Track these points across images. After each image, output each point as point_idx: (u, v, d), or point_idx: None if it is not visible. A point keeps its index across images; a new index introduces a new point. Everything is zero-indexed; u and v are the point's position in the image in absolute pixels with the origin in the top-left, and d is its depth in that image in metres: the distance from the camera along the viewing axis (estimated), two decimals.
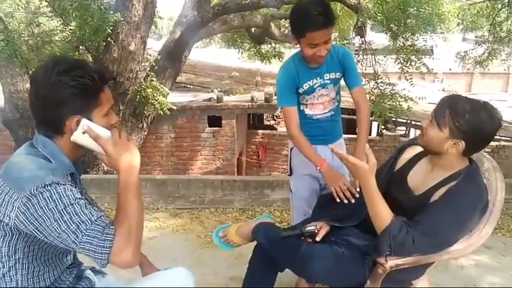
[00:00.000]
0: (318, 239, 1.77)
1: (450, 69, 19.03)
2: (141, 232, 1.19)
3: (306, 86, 2.09)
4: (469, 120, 1.45)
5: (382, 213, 1.52)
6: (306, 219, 1.99)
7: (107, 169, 6.11)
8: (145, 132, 7.17)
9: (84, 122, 1.18)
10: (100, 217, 1.12)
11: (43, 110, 1.18)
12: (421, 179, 1.66)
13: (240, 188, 3.86)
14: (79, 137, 1.18)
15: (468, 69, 11.16)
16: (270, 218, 2.24)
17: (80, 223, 1.08)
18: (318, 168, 2.03)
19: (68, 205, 1.09)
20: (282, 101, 2.13)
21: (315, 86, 2.10)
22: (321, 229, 1.80)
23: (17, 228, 1.11)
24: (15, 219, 1.08)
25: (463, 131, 1.46)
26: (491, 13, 8.80)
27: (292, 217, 2.45)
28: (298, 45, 2.03)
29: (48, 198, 1.07)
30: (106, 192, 3.78)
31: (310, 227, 1.78)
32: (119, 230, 1.12)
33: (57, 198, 1.08)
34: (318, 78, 2.09)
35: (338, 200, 1.91)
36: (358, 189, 1.86)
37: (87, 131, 1.18)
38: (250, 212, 3.74)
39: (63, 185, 1.11)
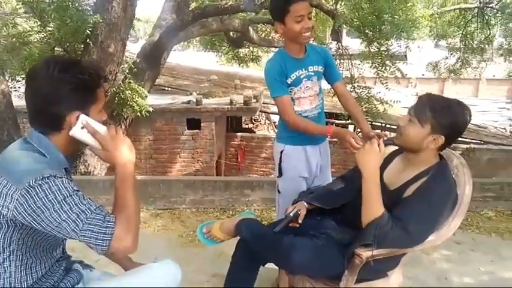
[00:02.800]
0: (300, 220, 1.86)
1: (423, 75, 19.56)
2: (139, 220, 1.26)
3: (293, 77, 2.17)
4: (447, 116, 1.57)
5: (376, 205, 1.60)
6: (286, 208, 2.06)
7: (84, 171, 6.07)
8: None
9: (83, 117, 1.24)
10: (98, 207, 1.18)
11: (44, 107, 1.23)
12: (395, 175, 1.76)
13: (221, 188, 3.90)
14: (77, 132, 1.24)
15: (440, 74, 11.51)
16: (252, 214, 2.30)
17: (80, 212, 1.14)
18: (329, 136, 2.13)
19: (67, 196, 1.14)
20: (274, 92, 2.18)
21: (301, 77, 2.19)
22: (301, 211, 1.88)
23: (14, 220, 1.15)
24: (13, 210, 1.12)
25: (444, 126, 1.58)
26: (462, 22, 9.11)
27: (277, 216, 2.51)
28: (282, 36, 2.16)
29: (47, 190, 1.12)
30: (86, 192, 3.76)
31: (293, 211, 1.88)
32: (119, 217, 1.19)
33: (56, 190, 1.13)
34: (303, 69, 2.18)
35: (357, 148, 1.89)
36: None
37: (86, 126, 1.24)
38: (231, 212, 3.79)
39: (60, 178, 1.16)
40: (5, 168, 1.18)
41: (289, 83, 2.18)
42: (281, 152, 2.32)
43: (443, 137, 1.59)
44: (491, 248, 3.14)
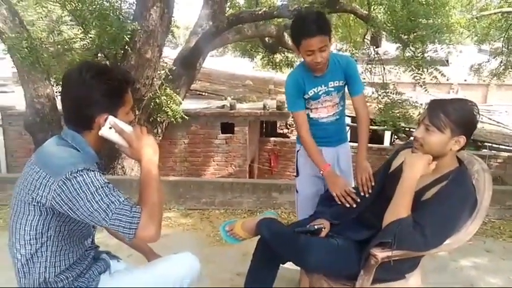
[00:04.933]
0: (322, 234, 1.91)
1: (465, 80, 18.93)
2: (162, 211, 1.36)
3: (311, 93, 2.22)
4: (462, 115, 1.61)
5: (405, 206, 1.62)
6: (310, 216, 2.12)
7: (121, 172, 6.31)
8: (160, 138, 7.36)
9: (111, 118, 1.37)
10: (126, 199, 1.30)
11: (76, 109, 1.36)
12: None
13: (249, 191, 3.99)
14: (106, 131, 1.37)
15: (484, 80, 11.12)
16: (274, 214, 2.36)
17: (110, 203, 1.25)
18: (321, 172, 2.18)
19: (99, 188, 1.26)
20: (291, 107, 2.28)
21: (319, 93, 2.23)
22: (324, 228, 1.93)
23: (52, 208, 1.28)
24: (51, 200, 1.25)
25: (462, 125, 1.61)
26: (504, 25, 8.80)
27: (297, 217, 2.57)
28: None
29: (81, 181, 1.24)
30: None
31: (318, 226, 1.93)
32: (144, 209, 1.29)
33: (89, 182, 1.25)
34: (323, 85, 2.21)
35: (339, 203, 2.04)
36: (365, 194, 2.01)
37: (114, 126, 1.37)
38: (258, 214, 3.85)
39: (93, 171, 1.28)
40: (43, 162, 1.31)
41: (306, 97, 2.24)
42: (297, 151, 2.39)
43: (463, 136, 1.62)
44: None
